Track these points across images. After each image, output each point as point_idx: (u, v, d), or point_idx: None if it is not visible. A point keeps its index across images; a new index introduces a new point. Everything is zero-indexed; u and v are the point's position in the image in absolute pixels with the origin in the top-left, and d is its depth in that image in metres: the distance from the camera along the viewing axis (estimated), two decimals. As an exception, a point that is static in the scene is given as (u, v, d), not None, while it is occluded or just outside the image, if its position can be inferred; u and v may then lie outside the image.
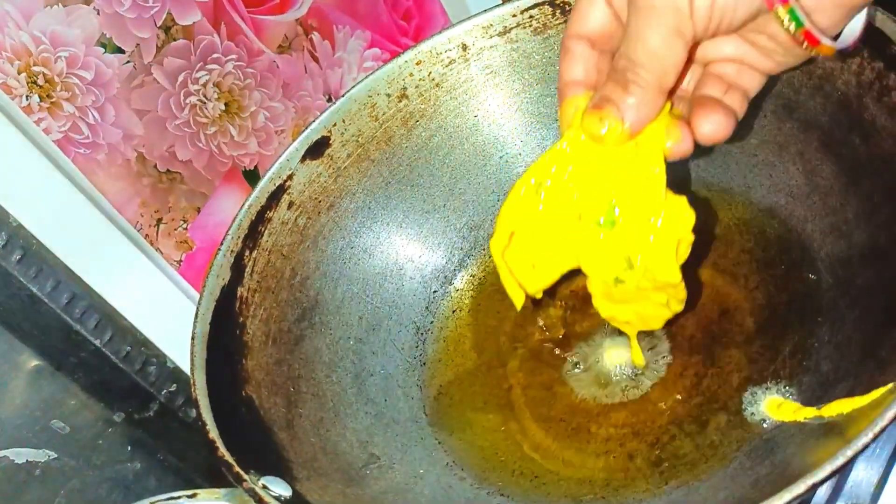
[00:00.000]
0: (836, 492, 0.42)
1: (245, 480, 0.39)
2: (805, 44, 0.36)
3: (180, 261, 0.63)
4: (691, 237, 0.40)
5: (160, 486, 0.64)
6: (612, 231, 0.40)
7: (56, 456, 0.59)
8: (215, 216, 0.64)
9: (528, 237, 0.42)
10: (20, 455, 0.58)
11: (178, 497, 0.41)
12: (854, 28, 0.37)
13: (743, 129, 0.51)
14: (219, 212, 0.64)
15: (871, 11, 0.38)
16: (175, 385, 0.64)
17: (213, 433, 0.41)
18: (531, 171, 0.41)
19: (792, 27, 0.35)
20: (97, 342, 0.59)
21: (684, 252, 0.40)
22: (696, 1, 0.34)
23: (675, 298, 0.42)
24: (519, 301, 0.44)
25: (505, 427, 0.48)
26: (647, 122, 0.38)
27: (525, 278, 0.43)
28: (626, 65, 0.37)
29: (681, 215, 0.39)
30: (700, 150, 0.46)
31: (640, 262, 0.40)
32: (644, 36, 0.36)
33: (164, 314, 0.62)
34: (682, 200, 0.40)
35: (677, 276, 0.40)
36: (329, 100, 0.71)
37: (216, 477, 0.42)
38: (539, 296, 0.44)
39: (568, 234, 0.41)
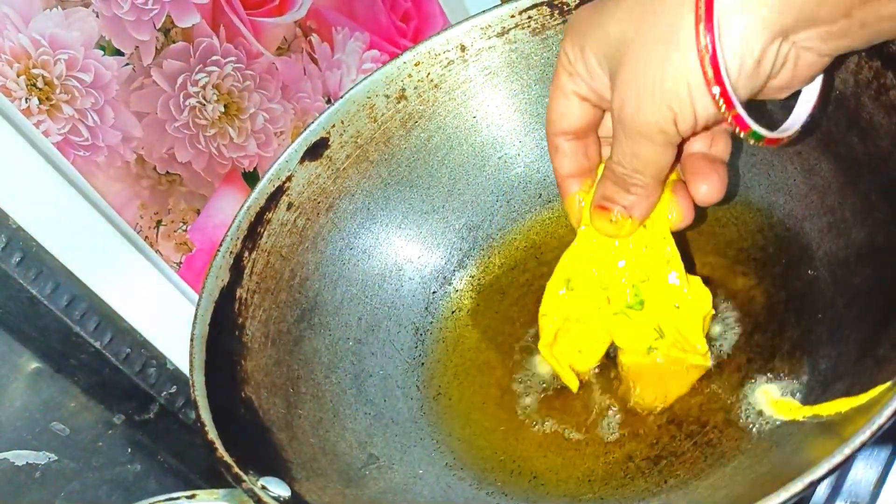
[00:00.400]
0: (835, 491, 0.42)
1: (244, 481, 0.39)
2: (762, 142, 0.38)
3: (180, 262, 0.63)
4: (712, 311, 0.44)
5: (160, 487, 0.64)
6: (640, 311, 0.44)
7: (56, 458, 0.59)
8: (215, 218, 0.64)
9: (570, 330, 0.46)
10: (20, 457, 0.58)
11: (178, 498, 0.41)
12: (801, 113, 0.39)
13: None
14: (218, 213, 0.65)
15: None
16: (175, 387, 0.64)
17: (212, 434, 0.41)
18: (559, 272, 0.45)
19: (751, 141, 0.37)
20: (97, 344, 0.59)
21: (706, 325, 0.44)
22: (678, 120, 0.36)
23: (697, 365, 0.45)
24: (574, 384, 0.47)
25: (504, 427, 0.48)
26: (652, 210, 0.42)
27: (575, 363, 0.47)
28: (623, 172, 0.39)
29: (699, 293, 0.43)
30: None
31: (668, 331, 0.44)
32: (637, 153, 0.38)
33: (164, 316, 0.62)
34: (697, 280, 0.44)
35: (704, 345, 0.44)
36: (328, 101, 0.71)
37: (216, 478, 0.42)
38: (587, 375, 0.48)
39: (602, 318, 0.45)
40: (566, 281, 0.45)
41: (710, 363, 0.45)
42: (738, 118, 0.35)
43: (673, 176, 0.43)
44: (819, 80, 0.38)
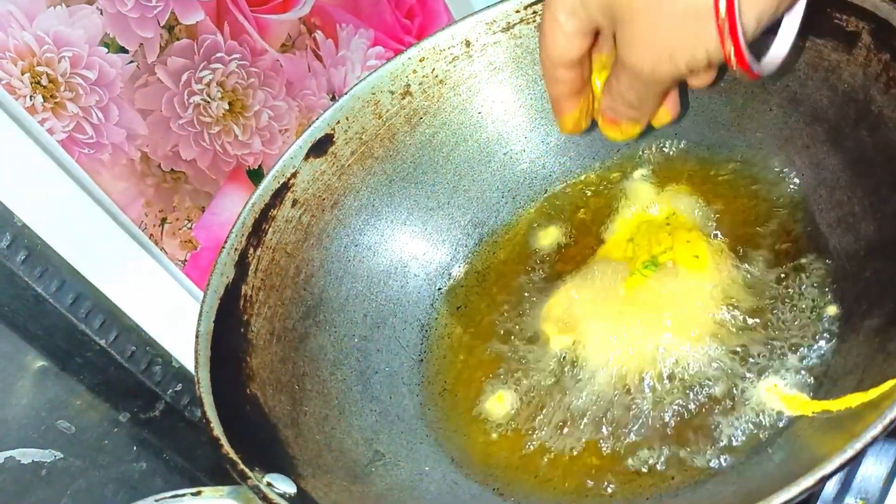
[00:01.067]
0: (844, 487, 0.42)
1: (249, 478, 0.39)
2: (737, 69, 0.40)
3: (185, 260, 0.63)
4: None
5: (166, 485, 0.64)
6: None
7: (62, 456, 0.59)
8: (220, 215, 0.64)
9: None
10: (26, 455, 0.58)
11: (183, 495, 0.41)
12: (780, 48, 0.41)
13: (749, 122, 0.51)
14: (223, 211, 0.64)
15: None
16: (180, 385, 0.64)
17: (218, 430, 0.41)
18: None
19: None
20: (102, 342, 0.59)
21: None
22: (679, 65, 0.39)
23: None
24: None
25: (509, 424, 0.48)
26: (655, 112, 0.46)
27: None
28: (627, 98, 0.43)
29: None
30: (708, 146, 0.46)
31: None
32: (641, 88, 0.42)
33: (169, 314, 0.62)
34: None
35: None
36: (333, 98, 0.71)
37: (222, 476, 0.42)
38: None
39: None
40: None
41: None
42: (739, 54, 0.38)
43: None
44: (801, 8, 0.40)
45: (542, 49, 0.44)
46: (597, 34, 0.43)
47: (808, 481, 0.30)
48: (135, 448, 0.63)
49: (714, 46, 0.37)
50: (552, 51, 0.43)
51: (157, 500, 0.41)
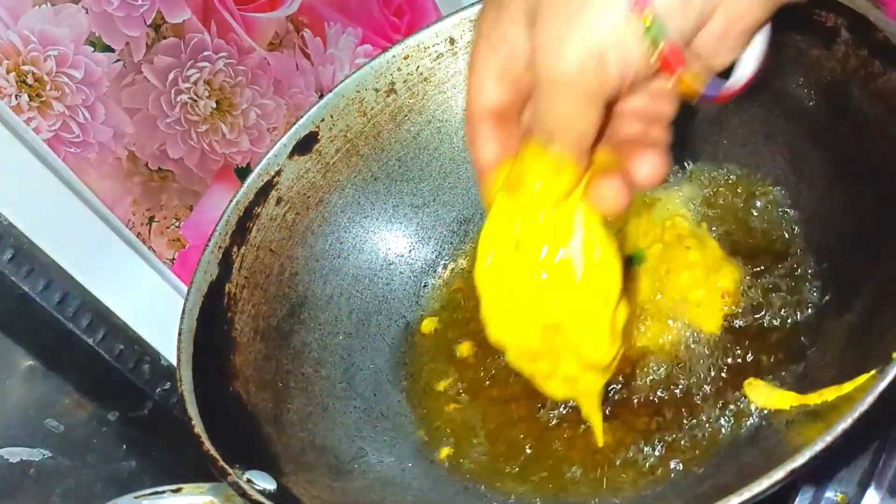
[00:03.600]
0: (824, 482, 0.42)
1: (230, 475, 0.39)
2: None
3: (173, 259, 0.63)
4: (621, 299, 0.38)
5: (155, 484, 0.63)
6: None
7: (50, 455, 0.59)
8: (208, 214, 0.64)
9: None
10: (14, 454, 0.58)
11: (163, 492, 0.41)
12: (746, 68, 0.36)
13: (730, 119, 0.51)
14: (211, 209, 0.65)
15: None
16: (169, 383, 0.64)
17: (199, 428, 0.41)
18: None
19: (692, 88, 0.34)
20: (90, 341, 0.59)
21: (619, 317, 0.39)
22: (604, 65, 0.32)
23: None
24: None
25: (493, 420, 0.48)
26: (573, 185, 0.37)
27: None
28: (541, 134, 0.35)
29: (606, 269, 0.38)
30: (689, 142, 0.46)
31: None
32: (556, 108, 0.34)
33: (157, 312, 0.62)
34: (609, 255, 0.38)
35: (605, 343, 0.38)
36: (321, 97, 0.71)
37: (210, 474, 0.42)
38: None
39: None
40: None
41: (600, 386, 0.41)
42: (673, 53, 0.32)
43: (602, 158, 0.37)
44: (763, 36, 0.36)
45: (466, 100, 0.38)
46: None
47: (778, 474, 0.31)
48: (123, 447, 0.63)
49: (622, 12, 0.31)
50: (472, 92, 0.38)
51: (136, 498, 0.41)
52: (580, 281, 0.37)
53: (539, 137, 0.35)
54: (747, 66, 0.36)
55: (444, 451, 0.47)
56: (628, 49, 0.32)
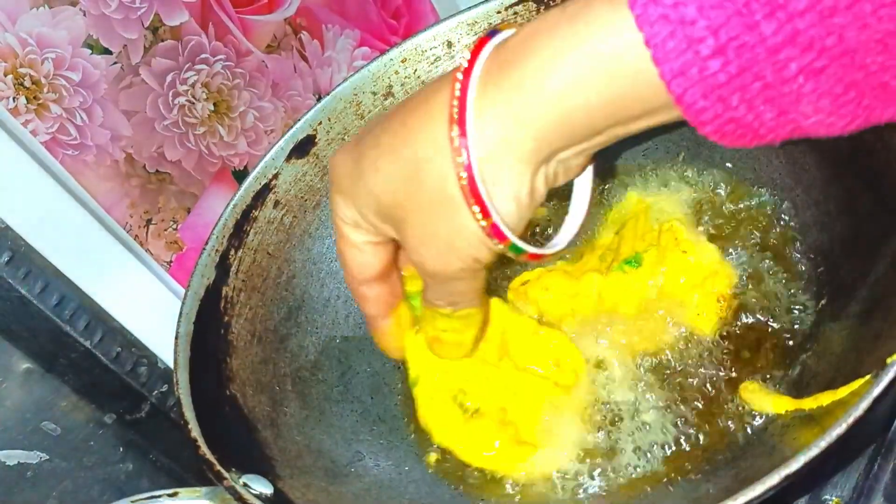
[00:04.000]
0: (821, 485, 0.42)
1: (226, 479, 0.39)
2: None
3: (170, 261, 0.63)
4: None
5: (152, 486, 0.64)
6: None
7: (48, 457, 0.59)
8: (205, 216, 0.64)
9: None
10: (12, 457, 0.58)
11: (159, 496, 0.41)
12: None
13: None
14: (209, 212, 0.65)
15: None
16: (166, 386, 0.64)
17: (195, 431, 0.41)
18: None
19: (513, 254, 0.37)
20: (87, 343, 0.59)
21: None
22: (479, 260, 0.36)
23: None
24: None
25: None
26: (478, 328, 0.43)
27: None
28: (444, 307, 0.40)
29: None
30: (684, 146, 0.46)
31: None
32: (452, 291, 0.39)
33: (155, 315, 0.62)
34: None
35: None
36: (319, 99, 0.71)
37: (207, 476, 0.42)
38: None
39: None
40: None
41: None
42: (499, 235, 0.35)
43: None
44: (589, 175, 0.39)
45: (342, 267, 0.42)
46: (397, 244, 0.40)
47: (773, 479, 0.31)
48: (121, 449, 0.63)
49: (481, 233, 0.35)
50: (349, 266, 0.41)
51: (133, 502, 0.41)
52: None
53: (442, 308, 0.40)
54: (569, 231, 0.40)
55: (441, 455, 0.47)
56: (474, 240, 0.36)
